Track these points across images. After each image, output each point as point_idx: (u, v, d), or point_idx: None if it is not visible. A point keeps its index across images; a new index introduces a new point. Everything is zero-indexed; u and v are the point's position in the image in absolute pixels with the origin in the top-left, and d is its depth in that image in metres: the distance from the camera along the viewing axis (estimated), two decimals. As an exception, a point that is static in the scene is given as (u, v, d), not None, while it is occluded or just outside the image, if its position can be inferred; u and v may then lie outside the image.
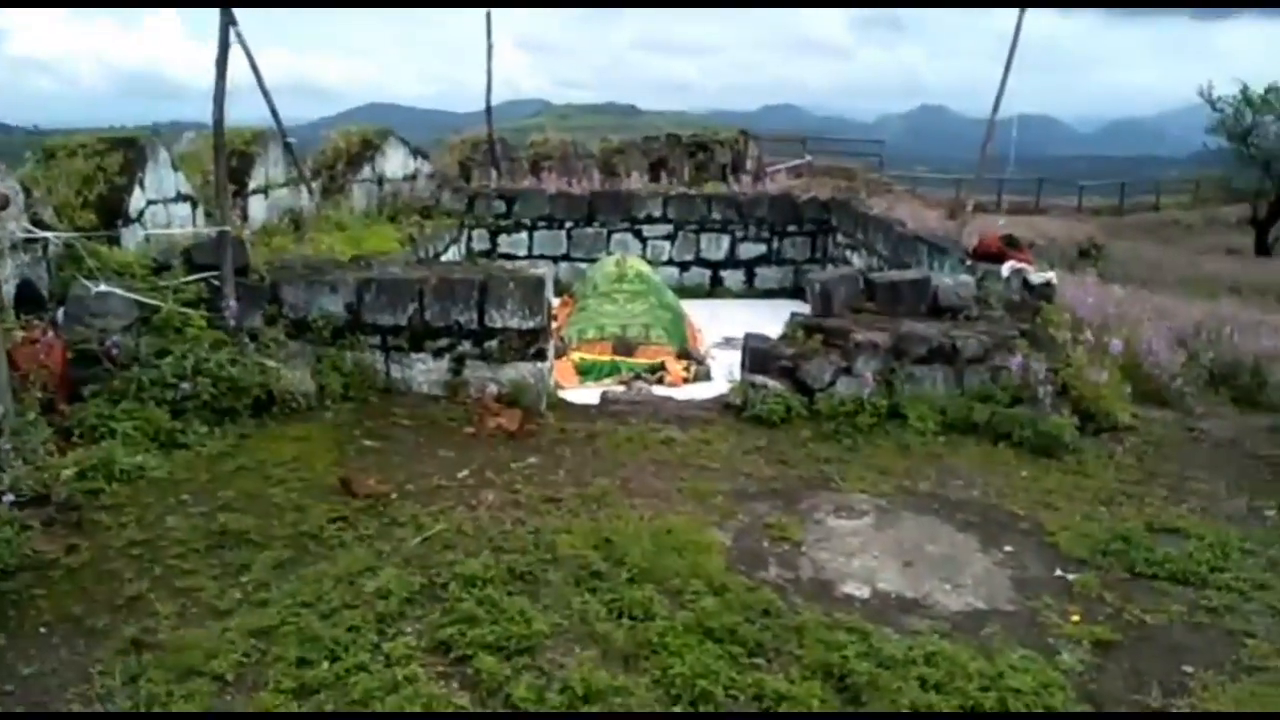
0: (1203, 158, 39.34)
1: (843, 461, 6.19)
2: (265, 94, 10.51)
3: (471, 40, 16.30)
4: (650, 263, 13.49)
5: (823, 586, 4.65)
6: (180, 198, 8.47)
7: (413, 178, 13.40)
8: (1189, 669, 4.02)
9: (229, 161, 9.74)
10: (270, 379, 6.17)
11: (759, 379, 6.91)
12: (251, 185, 9.90)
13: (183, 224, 8.43)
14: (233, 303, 6.26)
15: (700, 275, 13.96)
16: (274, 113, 10.57)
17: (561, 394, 8.86)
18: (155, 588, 4.26)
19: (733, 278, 14.01)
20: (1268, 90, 31.72)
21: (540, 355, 6.76)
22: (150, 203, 7.88)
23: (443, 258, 12.12)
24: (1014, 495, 5.76)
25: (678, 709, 3.61)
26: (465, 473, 5.72)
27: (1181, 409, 7.42)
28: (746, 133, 22.64)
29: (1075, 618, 4.37)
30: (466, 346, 6.72)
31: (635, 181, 14.47)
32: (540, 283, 6.67)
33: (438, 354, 6.73)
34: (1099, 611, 4.46)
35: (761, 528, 5.22)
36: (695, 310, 12.29)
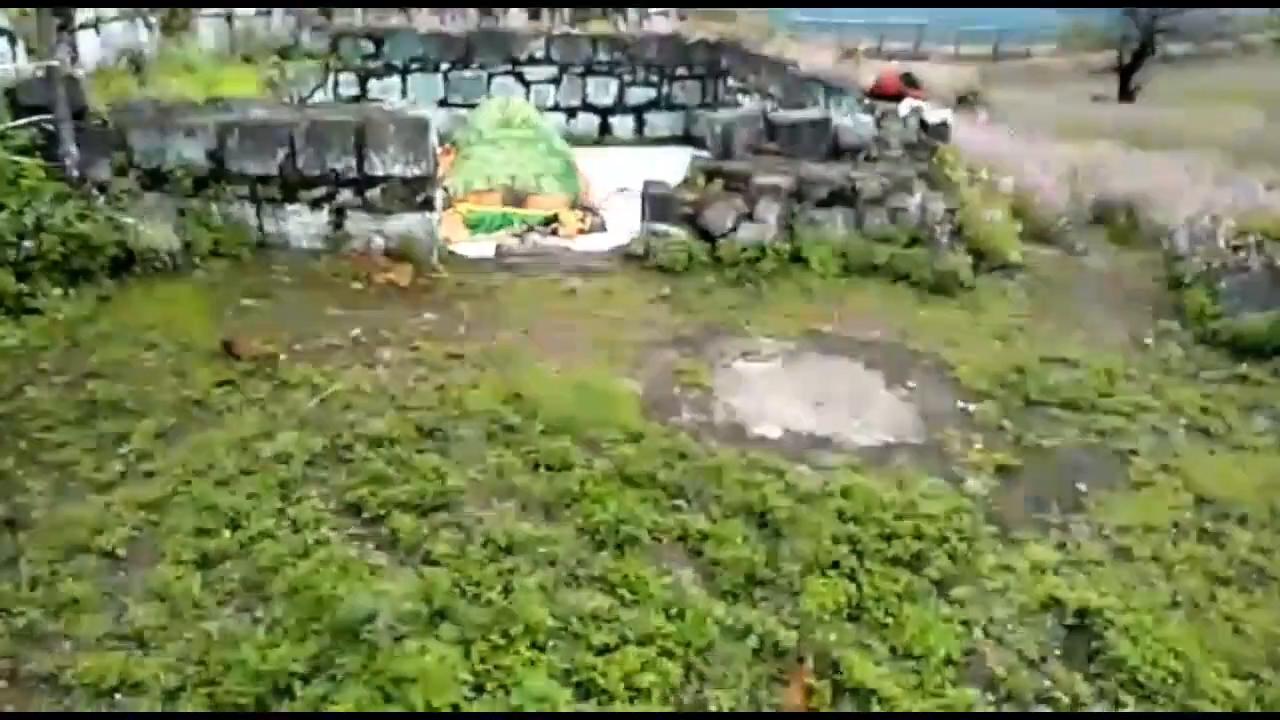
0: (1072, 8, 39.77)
1: (748, 307, 6.14)
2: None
3: None
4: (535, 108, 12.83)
5: (736, 429, 4.65)
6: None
7: (267, 13, 12.11)
8: (1083, 487, 4.25)
9: (49, -10, 8.51)
10: (128, 235, 5.56)
11: (660, 227, 6.70)
12: (79, 19, 8.68)
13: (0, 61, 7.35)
14: (73, 149, 5.53)
15: (588, 122, 13.38)
16: (97, -67, 9.22)
17: (451, 249, 8.48)
18: (22, 463, 3.88)
19: (622, 124, 13.50)
20: (1136, -67, 31.96)
21: (428, 204, 6.33)
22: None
23: (310, 101, 11.14)
24: (916, 333, 5.86)
25: (604, 555, 3.57)
26: (357, 330, 5.38)
27: (1065, 246, 7.67)
28: (629, -31, 21.43)
29: (978, 446, 4.53)
30: (347, 196, 6.21)
31: (516, 19, 13.52)
32: (424, 125, 6.16)
33: (315, 205, 6.20)
34: (999, 439, 4.64)
35: (672, 375, 5.15)
36: (586, 159, 11.82)
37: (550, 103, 13.16)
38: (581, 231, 9.16)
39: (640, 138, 13.57)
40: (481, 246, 7.81)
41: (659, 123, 13.58)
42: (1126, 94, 34.11)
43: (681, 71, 13.51)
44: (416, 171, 6.23)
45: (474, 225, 8.98)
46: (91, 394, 4.32)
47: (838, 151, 7.03)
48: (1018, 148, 9.63)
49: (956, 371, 5.32)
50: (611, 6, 15.35)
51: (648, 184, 6.99)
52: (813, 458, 4.39)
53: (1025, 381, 5.17)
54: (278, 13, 12.33)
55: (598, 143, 13.25)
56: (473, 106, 11.90)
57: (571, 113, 13.27)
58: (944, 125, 7.27)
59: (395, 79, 12.76)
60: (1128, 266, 7.41)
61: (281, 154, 6.07)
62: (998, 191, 7.22)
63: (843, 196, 6.73)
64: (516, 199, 9.24)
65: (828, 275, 6.55)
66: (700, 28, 14.36)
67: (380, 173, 6.20)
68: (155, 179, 5.96)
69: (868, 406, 4.93)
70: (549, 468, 4.06)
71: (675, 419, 4.70)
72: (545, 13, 13.91)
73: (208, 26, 11.16)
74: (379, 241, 6.31)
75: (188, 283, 5.68)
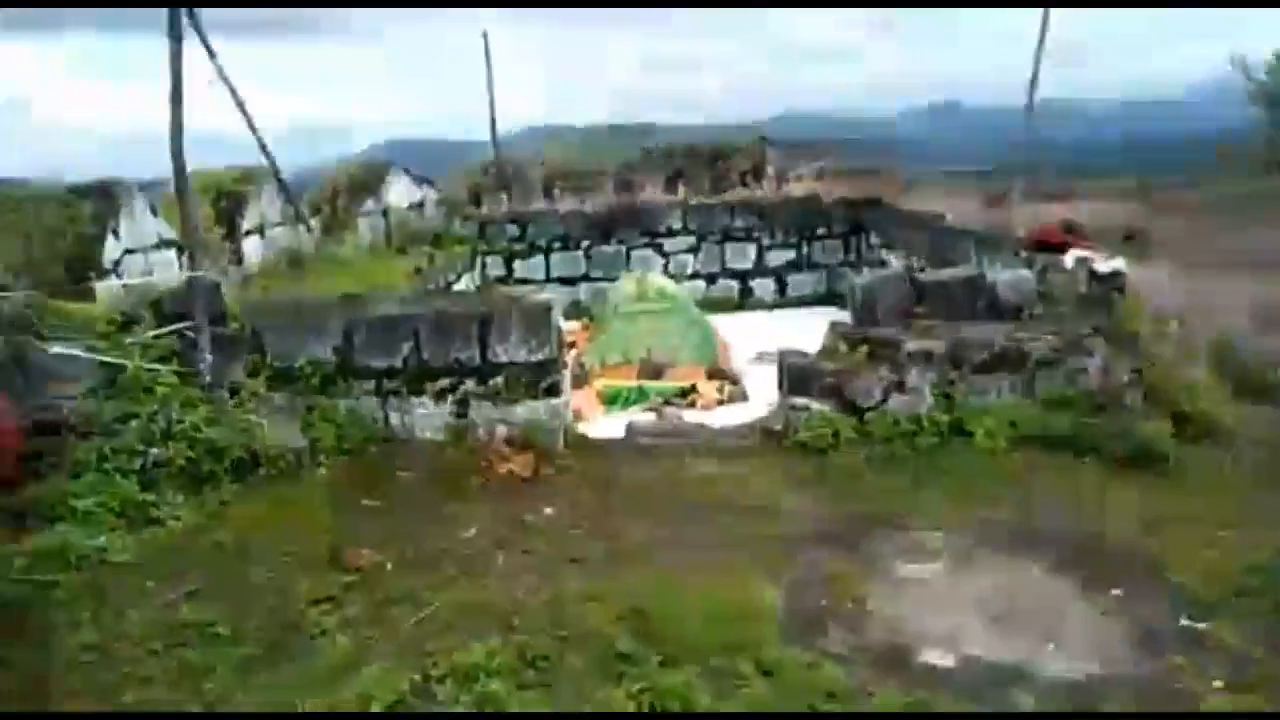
0: (1231, 132, 37.62)
1: (905, 491, 5.39)
2: (253, 129, 10.00)
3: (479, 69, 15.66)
4: (674, 278, 12.76)
5: (897, 654, 3.86)
6: (163, 244, 7.89)
7: (419, 206, 12.82)
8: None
9: (219, 203, 9.20)
10: (253, 437, 5.51)
11: (800, 400, 6.14)
12: (245, 225, 9.34)
13: (167, 271, 7.86)
14: (206, 355, 5.62)
15: (728, 287, 13.20)
16: (263, 148, 10.03)
17: (585, 427, 8.16)
18: (106, 701, 3.58)
19: (763, 287, 13.23)
20: (1307, 54, 30.25)
21: (553, 390, 6.04)
22: (128, 252, 7.30)
23: (455, 287, 11.49)
24: (1111, 521, 4.92)
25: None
26: (472, 531, 5.01)
27: (1278, 403, 6.52)
28: (765, 138, 21.91)
29: (1217, 684, 3.53)
30: (470, 385, 6.02)
31: (651, 195, 13.75)
32: (547, 310, 5.96)
33: (440, 396, 6.03)
34: (1245, 671, 3.62)
35: (819, 580, 4.44)
36: (725, 325, 11.53)
37: (689, 270, 13.12)
38: (720, 402, 8.72)
39: (782, 298, 13.23)
40: (615, 424, 7.47)
41: (801, 282, 13.24)
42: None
43: (821, 231, 13.23)
44: (540, 356, 6.00)
45: (610, 401, 8.71)
46: (183, 618, 4.06)
47: (996, 310, 6.33)
48: (1200, 286, 8.58)
49: (1172, 573, 4.34)
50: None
51: (784, 354, 6.49)
52: (998, 695, 3.53)
53: (1270, 587, 4.13)
54: (430, 205, 13.03)
55: (739, 307, 13.01)
56: (614, 279, 11.95)
57: (711, 279, 13.15)
58: (1118, 275, 6.47)
59: (539, 258, 13.08)
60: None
61: (406, 347, 5.99)
62: (1192, 344, 6.26)
63: (1007, 359, 5.98)
64: (653, 371, 8.94)
65: (997, 449, 5.73)
66: (840, 186, 14.16)
67: (504, 359, 6.00)
68: (285, 378, 5.98)
69: (1062, 623, 4.03)
70: (665, 712, 3.40)
71: (822, 640, 3.96)
72: (681, 185, 14.11)
73: (365, 223, 11.84)
74: (502, 430, 6.03)
75: (309, 482, 5.53)
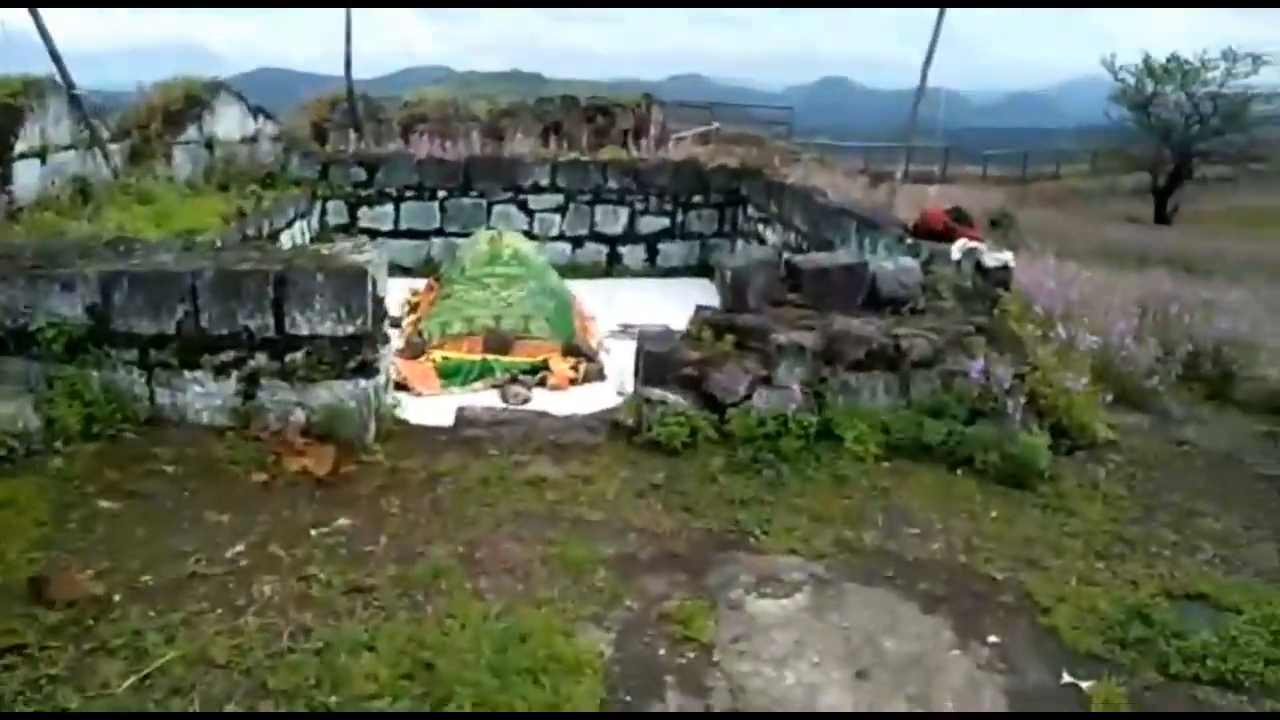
0: (1099, 129, 39.49)
1: (764, 503, 4.72)
2: (43, 34, 8.43)
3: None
4: (538, 238, 11.85)
5: (744, 725, 3.17)
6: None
7: (253, 140, 11.35)
8: None
9: (-13, 116, 7.67)
10: (-39, 415, 4.32)
11: (656, 392, 5.38)
12: (21, 146, 7.80)
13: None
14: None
15: (596, 252, 12.35)
16: (55, 56, 8.49)
17: (418, 404, 7.23)
18: None
19: (632, 254, 12.45)
20: (1169, 60, 31.78)
21: (364, 370, 5.06)
22: None
23: (285, 234, 10.20)
24: (986, 548, 4.40)
25: None
26: (239, 547, 4.03)
27: (1158, 411, 6.24)
28: (650, 97, 21.03)
29: (1107, 765, 3.00)
30: (261, 360, 4.97)
31: (521, 146, 12.70)
32: (361, 274, 4.96)
33: (221, 371, 4.96)
34: (1134, 748, 3.11)
35: (656, 620, 3.72)
36: (591, 292, 10.73)
37: (555, 231, 12.20)
38: (573, 381, 7.92)
39: (652, 267, 12.50)
40: (450, 404, 6.57)
41: (673, 252, 12.53)
42: (1163, 217, 33.19)
43: (698, 199, 12.53)
44: (351, 329, 5.00)
45: (449, 375, 7.77)
46: None
47: (877, 302, 5.74)
48: (1074, 277, 8.32)
49: (1052, 617, 3.83)
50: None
51: (642, 337, 5.72)
52: (858, 784, 2.89)
53: (1154, 637, 3.66)
54: (265, 139, 11.57)
55: (606, 273, 12.21)
56: (470, 236, 10.92)
57: (578, 242, 12.27)
58: (1005, 269, 5.99)
59: (388, 206, 11.86)
60: (1241, 440, 5.94)
61: (182, 310, 4.88)
62: (1075, 348, 5.85)
63: (884, 358, 5.39)
64: (501, 344, 8.02)
65: (867, 458, 5.14)
66: (723, 153, 13.48)
67: (305, 331, 4.97)
68: (21, 340, 4.78)
69: (933, 678, 3.44)
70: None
71: (657, 703, 3.24)
72: (553, 139, 13.12)
73: (184, 154, 10.34)
74: (299, 416, 5.03)
75: (35, 475, 4.39)
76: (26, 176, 7.90)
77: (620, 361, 7.65)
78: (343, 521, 4.35)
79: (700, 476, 4.97)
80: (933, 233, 6.57)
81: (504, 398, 7.53)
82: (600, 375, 7.99)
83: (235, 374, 4.97)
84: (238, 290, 4.88)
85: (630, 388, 5.83)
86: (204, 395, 4.98)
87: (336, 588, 3.76)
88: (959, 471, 5.10)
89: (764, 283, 5.77)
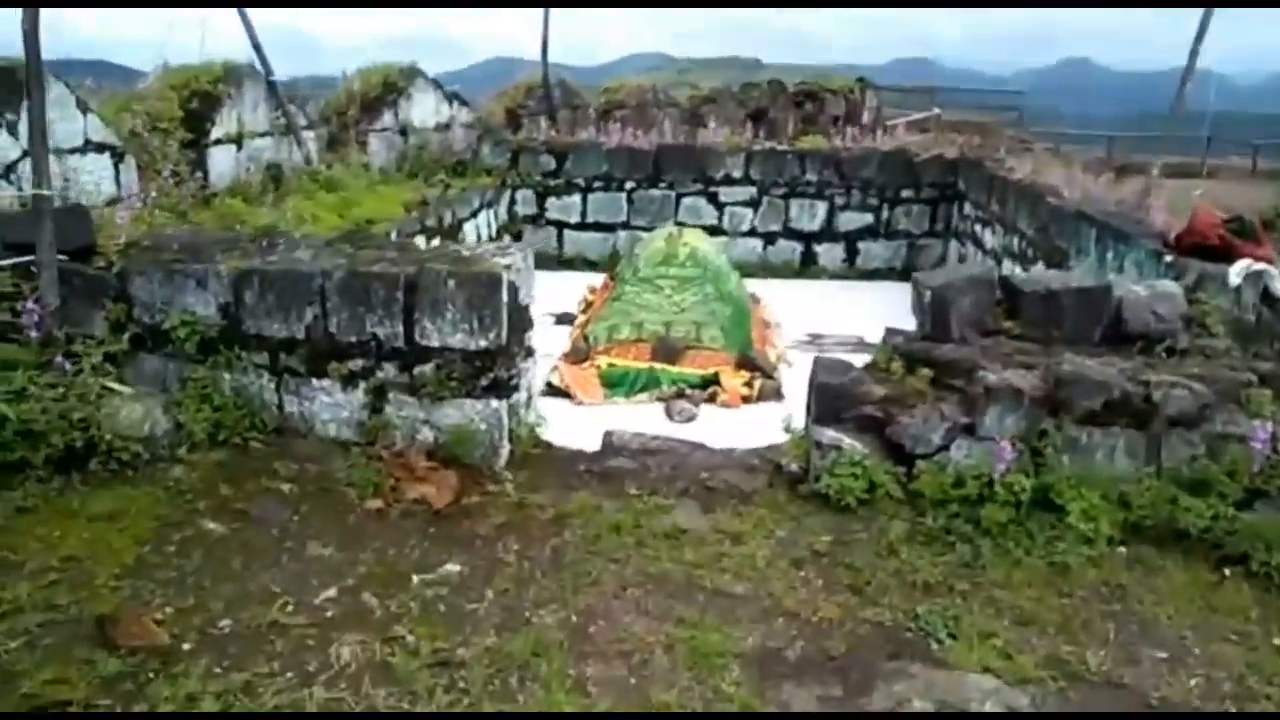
0: None
1: (954, 592, 3.75)
2: (245, 22, 8.58)
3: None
4: (727, 234, 11.11)
5: None
6: (92, 147, 6.57)
7: (446, 127, 11.30)
8: None
9: (189, 104, 7.88)
10: (93, 416, 4.17)
11: (829, 434, 4.50)
12: (216, 133, 7.97)
13: (97, 182, 6.55)
14: (29, 304, 4.27)
15: (789, 250, 11.42)
16: (255, 44, 8.65)
17: (578, 411, 6.76)
18: None
19: (829, 254, 11.42)
20: None
21: (497, 388, 4.53)
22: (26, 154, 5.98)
23: (469, 225, 10.03)
24: (1267, 692, 3.22)
25: None
26: (331, 592, 3.60)
27: None
28: (864, 80, 19.59)
29: None
30: (389, 372, 4.56)
31: (717, 134, 11.95)
32: (495, 280, 4.41)
33: (349, 381, 4.59)
34: None
35: (796, 754, 2.90)
36: (779, 295, 9.86)
37: (746, 227, 11.38)
38: (746, 399, 7.14)
39: (850, 268, 11.40)
40: (604, 419, 6.03)
41: (875, 253, 11.38)
42: None
43: (907, 194, 11.28)
44: (483, 343, 4.48)
45: (614, 384, 7.21)
46: None
47: (1122, 337, 4.54)
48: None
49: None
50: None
51: (818, 366, 4.84)
52: None
53: None
54: (458, 126, 11.51)
55: (799, 274, 11.27)
56: (655, 229, 10.33)
57: (770, 239, 11.39)
58: (1304, 299, 4.58)
59: (575, 197, 11.49)
60: None
61: (310, 313, 4.54)
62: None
63: (1129, 410, 4.21)
64: (669, 353, 7.35)
65: (1098, 540, 4.01)
66: (940, 142, 12.11)
67: (435, 343, 4.50)
68: (156, 338, 4.62)
69: None
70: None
71: None
72: (749, 128, 12.27)
73: (379, 141, 10.41)
74: (426, 435, 4.58)
75: (151, 486, 4.18)
76: (222, 162, 8.07)
77: (803, 377, 6.79)
78: (450, 568, 3.83)
79: (875, 546, 4.06)
80: (1203, 248, 5.19)
81: (669, 413, 6.87)
82: (777, 394, 7.15)
83: (363, 385, 4.59)
84: (366, 294, 4.47)
85: (799, 421, 4.97)
86: (331, 405, 4.64)
87: (423, 657, 3.23)
88: (1227, 572, 3.87)
89: (973, 306, 4.71)
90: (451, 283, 4.40)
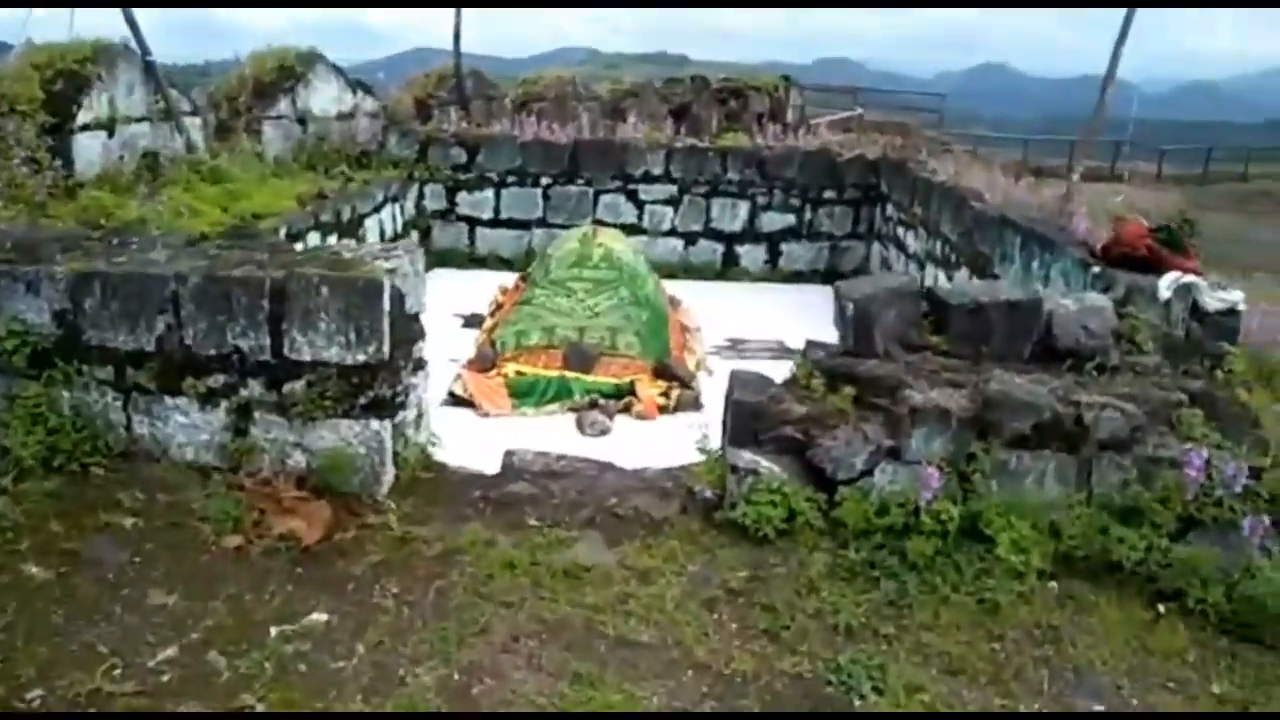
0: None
1: (879, 636, 3.44)
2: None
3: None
4: (647, 233, 10.74)
5: None
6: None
7: (349, 116, 10.64)
8: None
9: (53, 84, 7.16)
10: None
11: (745, 456, 4.14)
12: (84, 118, 7.23)
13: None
14: None
15: (710, 251, 11.10)
16: (130, 22, 7.91)
17: (484, 423, 6.35)
18: None
19: (751, 255, 11.14)
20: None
21: (379, 407, 4.05)
22: None
23: (371, 220, 9.42)
24: (1210, 750, 2.98)
25: None
26: (170, 651, 3.09)
27: None
28: (789, 79, 19.43)
29: None
30: (255, 389, 4.03)
31: (635, 130, 11.56)
32: (375, 287, 3.93)
33: (208, 399, 4.05)
34: None
35: (701, 842, 2.52)
36: (700, 297, 9.55)
37: (666, 226, 11.03)
38: (663, 409, 6.78)
39: (773, 270, 11.15)
40: (510, 433, 5.61)
41: (798, 254, 11.16)
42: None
43: (830, 194, 11.09)
44: (361, 357, 3.99)
45: (522, 394, 6.77)
46: None
47: (1052, 354, 4.30)
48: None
49: None
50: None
51: (734, 381, 4.47)
52: None
53: None
54: (363, 115, 10.86)
55: (720, 275, 10.97)
56: (572, 228, 9.89)
57: (690, 239, 11.05)
58: (1234, 314, 4.42)
59: (488, 193, 10.97)
60: None
61: (161, 322, 3.98)
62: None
63: (1060, 433, 3.96)
64: (582, 361, 6.93)
65: (1028, 574, 3.74)
66: (862, 142, 11.95)
67: (306, 356, 3.99)
68: (-21, 350, 4.00)
69: None
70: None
71: None
72: (671, 124, 11.92)
73: (275, 129, 9.71)
74: (299, 460, 4.07)
75: (-37, 525, 3.59)
76: (90, 150, 7.32)
77: (723, 386, 6.45)
78: (316, 617, 3.35)
79: (794, 583, 3.72)
80: (1131, 259, 5.02)
81: (581, 426, 6.46)
82: (696, 404, 6.80)
83: (224, 404, 4.05)
84: (227, 301, 3.94)
85: (717, 436, 4.61)
86: (187, 427, 4.09)
87: (271, 734, 2.75)
88: (1161, 609, 3.65)
89: (898, 319, 4.41)
90: (325, 289, 3.90)
